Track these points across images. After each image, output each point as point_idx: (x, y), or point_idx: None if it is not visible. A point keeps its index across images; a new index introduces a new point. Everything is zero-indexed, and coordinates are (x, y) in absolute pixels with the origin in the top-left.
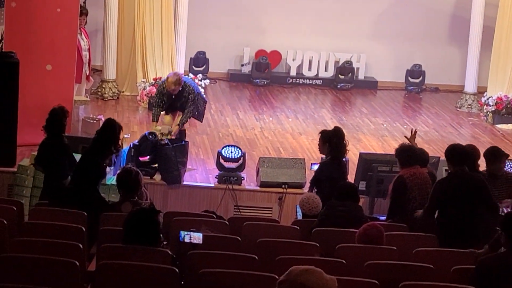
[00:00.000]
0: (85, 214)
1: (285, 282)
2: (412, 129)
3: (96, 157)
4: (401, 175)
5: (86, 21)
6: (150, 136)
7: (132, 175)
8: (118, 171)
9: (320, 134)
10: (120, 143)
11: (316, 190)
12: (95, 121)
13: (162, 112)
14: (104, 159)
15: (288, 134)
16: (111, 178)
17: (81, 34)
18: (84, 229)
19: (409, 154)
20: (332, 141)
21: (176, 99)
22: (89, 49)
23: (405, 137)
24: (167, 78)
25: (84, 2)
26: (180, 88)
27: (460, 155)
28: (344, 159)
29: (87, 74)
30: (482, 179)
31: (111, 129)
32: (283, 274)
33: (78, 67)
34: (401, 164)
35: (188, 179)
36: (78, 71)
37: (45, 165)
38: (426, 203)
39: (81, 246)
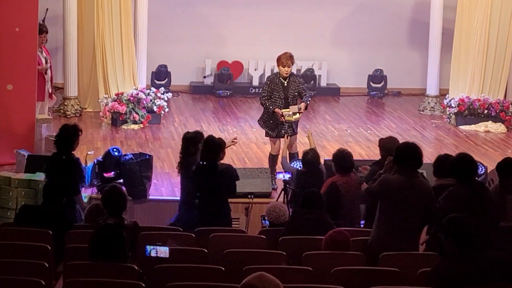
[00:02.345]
0: (51, 232)
1: None
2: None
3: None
4: (334, 181)
5: (46, 39)
6: (114, 152)
7: (115, 193)
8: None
9: None
10: None
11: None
12: None
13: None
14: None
15: (253, 144)
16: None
17: (42, 52)
18: (49, 247)
19: (350, 162)
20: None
21: (288, 85)
22: (50, 66)
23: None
24: (280, 56)
25: (43, 21)
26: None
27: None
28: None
29: (50, 92)
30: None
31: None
32: None
33: (41, 85)
34: (338, 170)
35: (153, 193)
36: (41, 89)
37: (50, 179)
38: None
39: (46, 264)
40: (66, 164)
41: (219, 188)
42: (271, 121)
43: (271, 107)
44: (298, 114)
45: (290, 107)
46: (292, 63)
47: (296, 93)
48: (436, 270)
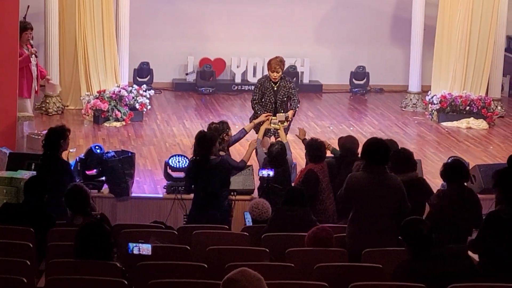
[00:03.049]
0: (32, 230)
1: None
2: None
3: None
4: (311, 169)
5: (32, 36)
6: (96, 149)
7: (76, 192)
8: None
9: None
10: None
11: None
12: (39, 137)
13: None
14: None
15: None
16: None
17: (28, 49)
18: (31, 245)
19: (322, 152)
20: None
21: (278, 90)
22: (37, 64)
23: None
24: (270, 60)
25: (24, 17)
26: (282, 76)
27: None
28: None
29: (36, 89)
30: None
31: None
32: None
33: (29, 82)
34: (312, 159)
35: (136, 191)
36: (28, 86)
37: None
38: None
39: (28, 262)
40: (55, 166)
41: (213, 182)
42: (261, 122)
43: (259, 112)
44: (285, 122)
45: (277, 115)
46: (282, 69)
47: (285, 98)
48: (398, 268)
